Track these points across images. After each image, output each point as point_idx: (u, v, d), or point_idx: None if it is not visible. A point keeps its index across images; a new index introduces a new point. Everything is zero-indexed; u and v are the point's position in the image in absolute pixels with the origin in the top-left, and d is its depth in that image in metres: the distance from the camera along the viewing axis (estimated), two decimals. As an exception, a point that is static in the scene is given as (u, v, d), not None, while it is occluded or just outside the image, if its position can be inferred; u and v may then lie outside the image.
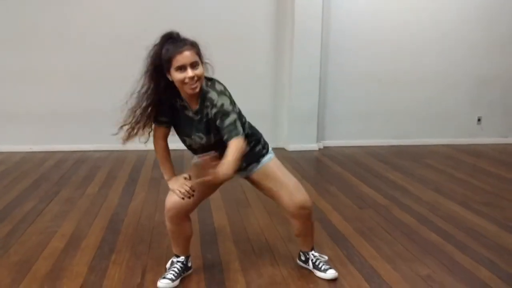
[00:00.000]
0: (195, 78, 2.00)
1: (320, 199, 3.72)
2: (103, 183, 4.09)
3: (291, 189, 2.30)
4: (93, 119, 5.25)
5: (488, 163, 5.09)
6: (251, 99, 5.30)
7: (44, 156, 4.98)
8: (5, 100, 5.13)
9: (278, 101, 5.60)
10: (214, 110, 2.07)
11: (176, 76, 2.01)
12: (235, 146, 2.02)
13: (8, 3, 4.94)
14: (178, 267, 2.36)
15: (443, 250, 2.79)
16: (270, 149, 2.42)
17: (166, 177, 2.29)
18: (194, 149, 2.28)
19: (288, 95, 5.49)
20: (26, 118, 5.18)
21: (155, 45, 2.05)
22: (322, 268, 2.42)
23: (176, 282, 2.31)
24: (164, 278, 2.30)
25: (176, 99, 2.16)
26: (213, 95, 2.08)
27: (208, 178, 1.98)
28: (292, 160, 5.01)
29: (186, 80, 1.99)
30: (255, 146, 2.33)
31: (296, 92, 5.41)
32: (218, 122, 2.07)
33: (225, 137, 2.06)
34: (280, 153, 5.34)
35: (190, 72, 1.98)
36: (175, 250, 2.41)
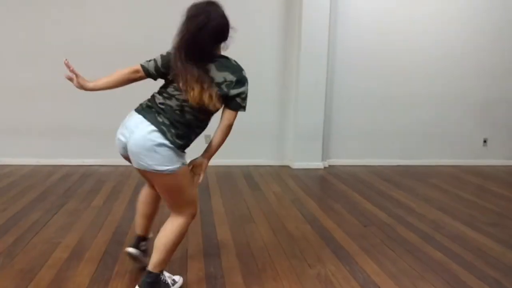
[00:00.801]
0: None
1: (325, 217, 3.71)
2: (108, 196, 4.11)
3: None
4: (99, 134, 5.30)
5: (494, 184, 5.06)
6: (257, 116, 5.36)
7: (50, 170, 5.02)
8: (14, 115, 5.20)
9: (284, 119, 5.62)
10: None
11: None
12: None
13: (19, 21, 5.05)
14: None
15: (448, 268, 2.77)
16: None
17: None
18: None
19: (294, 113, 5.53)
20: (34, 132, 5.24)
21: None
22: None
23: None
24: None
25: None
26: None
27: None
28: (297, 178, 5.01)
29: None
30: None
31: (302, 110, 5.44)
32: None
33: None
34: (285, 171, 5.36)
35: None
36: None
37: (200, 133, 2.24)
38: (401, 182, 4.99)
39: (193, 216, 2.27)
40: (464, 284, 2.56)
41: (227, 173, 5.07)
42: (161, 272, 2.26)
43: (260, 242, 3.11)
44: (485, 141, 6.13)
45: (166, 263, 2.26)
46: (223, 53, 2.20)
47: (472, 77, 5.92)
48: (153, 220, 2.62)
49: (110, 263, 2.71)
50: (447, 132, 6.00)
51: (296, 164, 5.52)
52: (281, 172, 5.27)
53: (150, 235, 2.64)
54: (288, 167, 5.57)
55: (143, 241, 2.61)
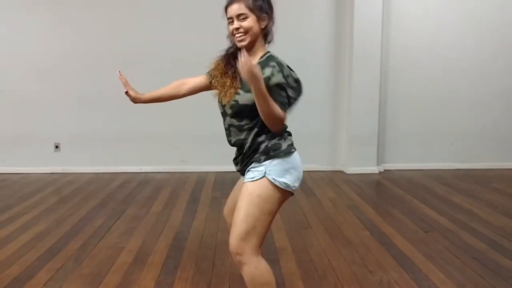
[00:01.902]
0: (241, 30, 1.88)
1: (383, 222, 3.63)
2: (166, 202, 4.21)
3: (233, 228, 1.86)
4: (156, 142, 5.46)
5: None
6: (310, 121, 5.34)
7: (110, 177, 5.21)
8: (76, 124, 5.45)
9: (337, 123, 5.56)
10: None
11: (229, 29, 1.94)
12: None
13: (81, 29, 5.29)
14: None
15: (519, 277, 2.64)
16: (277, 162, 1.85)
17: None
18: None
19: (347, 117, 5.46)
20: (94, 140, 5.46)
21: None
22: None
23: None
24: None
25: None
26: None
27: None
28: (352, 183, 4.94)
29: (234, 32, 1.90)
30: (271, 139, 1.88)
31: (355, 114, 5.36)
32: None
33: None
34: (339, 176, 5.30)
35: (235, 24, 1.89)
36: None
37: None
38: (461, 186, 4.80)
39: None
40: (538, 294, 2.43)
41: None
42: None
43: (319, 248, 3.09)
44: (551, 143, 5.81)
45: None
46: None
47: (535, 76, 5.64)
48: None
49: (172, 267, 2.77)
50: (507, 134, 5.73)
51: (350, 169, 5.44)
52: (334, 178, 5.21)
53: None
54: (341, 172, 5.50)
55: None
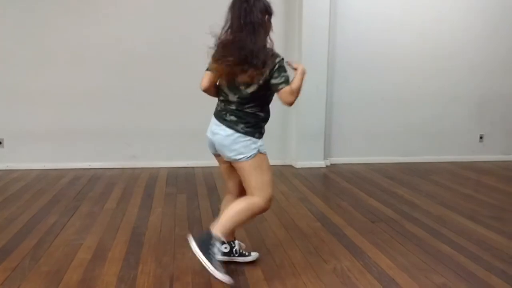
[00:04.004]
0: None
1: (333, 214, 3.83)
2: (120, 198, 4.19)
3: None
4: (105, 138, 5.39)
5: (492, 179, 5.22)
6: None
7: (58, 174, 5.09)
8: (20, 119, 5.26)
9: (287, 120, 5.74)
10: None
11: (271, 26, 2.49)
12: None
13: (27, 25, 5.11)
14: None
15: (456, 260, 2.90)
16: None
17: None
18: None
19: (296, 113, 5.64)
20: (41, 136, 5.30)
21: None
22: (246, 254, 2.80)
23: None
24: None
25: None
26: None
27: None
28: (301, 177, 5.13)
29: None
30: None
31: (304, 111, 5.55)
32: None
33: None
34: (289, 170, 5.48)
35: None
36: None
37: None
38: (403, 179, 5.13)
39: (267, 200, 2.49)
40: (473, 275, 2.70)
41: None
42: (218, 238, 2.36)
43: (275, 240, 3.23)
44: (481, 137, 6.30)
45: (227, 231, 2.42)
46: None
47: (469, 74, 6.08)
48: None
49: (134, 262, 2.80)
50: (444, 129, 6.15)
51: (299, 163, 5.64)
52: (285, 172, 5.38)
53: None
54: (291, 166, 5.69)
55: (233, 244, 2.77)
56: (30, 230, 3.31)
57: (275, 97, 2.52)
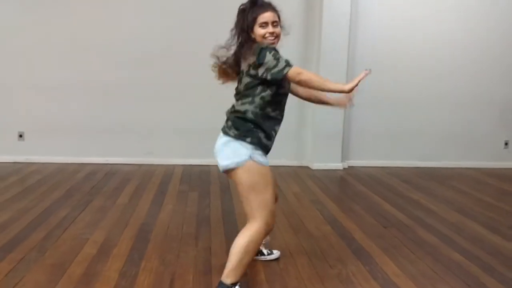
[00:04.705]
0: (274, 34, 2.35)
1: (345, 218, 3.76)
2: (132, 194, 4.22)
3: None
4: (123, 133, 5.44)
5: (515, 187, 5.05)
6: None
7: (76, 168, 5.16)
8: (41, 114, 5.37)
9: (303, 120, 5.68)
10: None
11: (259, 31, 2.32)
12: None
13: (50, 20, 5.21)
14: None
15: (468, 270, 2.80)
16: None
17: None
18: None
19: (313, 114, 5.57)
20: (60, 130, 5.40)
21: (243, 9, 2.35)
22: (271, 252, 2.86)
23: None
24: None
25: None
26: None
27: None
28: (316, 179, 5.07)
29: (267, 35, 2.32)
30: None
31: (321, 111, 5.45)
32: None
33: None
34: (304, 171, 5.42)
35: (270, 28, 2.32)
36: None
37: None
38: (421, 184, 5.00)
39: (266, 223, 2.26)
40: (484, 286, 2.59)
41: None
42: (233, 285, 2.24)
43: (281, 241, 3.18)
44: (506, 144, 6.09)
45: (238, 274, 2.24)
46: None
47: (493, 78, 5.89)
48: None
49: (137, 259, 2.80)
50: (467, 134, 5.97)
51: (316, 165, 5.57)
52: (300, 173, 5.32)
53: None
54: (307, 167, 5.62)
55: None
56: (40, 223, 3.36)
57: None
